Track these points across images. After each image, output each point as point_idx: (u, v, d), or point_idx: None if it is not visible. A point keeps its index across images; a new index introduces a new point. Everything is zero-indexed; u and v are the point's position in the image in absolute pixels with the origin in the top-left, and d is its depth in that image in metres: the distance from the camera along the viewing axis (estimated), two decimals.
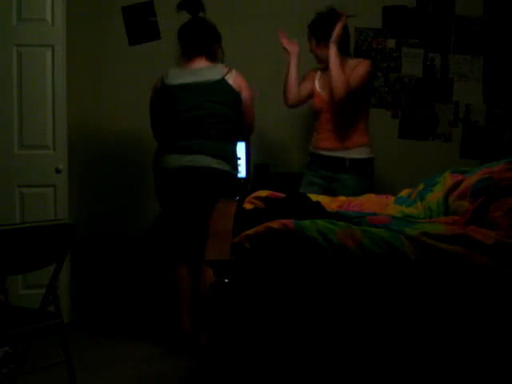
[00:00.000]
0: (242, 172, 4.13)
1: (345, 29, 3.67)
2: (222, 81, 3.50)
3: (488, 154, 4.50)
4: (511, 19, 4.54)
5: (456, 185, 2.67)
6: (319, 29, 3.68)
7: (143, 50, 4.53)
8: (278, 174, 4.35)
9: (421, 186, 2.96)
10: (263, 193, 2.79)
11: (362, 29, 4.52)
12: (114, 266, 4.61)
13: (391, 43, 4.56)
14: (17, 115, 3.97)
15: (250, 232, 2.10)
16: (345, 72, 3.60)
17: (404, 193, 3.10)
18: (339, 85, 3.55)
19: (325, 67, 3.72)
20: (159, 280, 4.48)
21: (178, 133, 3.50)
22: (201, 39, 3.58)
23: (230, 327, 2.09)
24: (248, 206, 2.67)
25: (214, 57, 3.63)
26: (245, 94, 3.57)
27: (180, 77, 3.55)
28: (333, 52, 3.58)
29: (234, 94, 3.53)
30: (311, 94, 3.82)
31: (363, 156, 3.71)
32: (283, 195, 2.69)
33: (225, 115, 3.51)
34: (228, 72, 3.53)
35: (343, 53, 3.68)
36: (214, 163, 3.44)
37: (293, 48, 3.77)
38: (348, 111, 3.67)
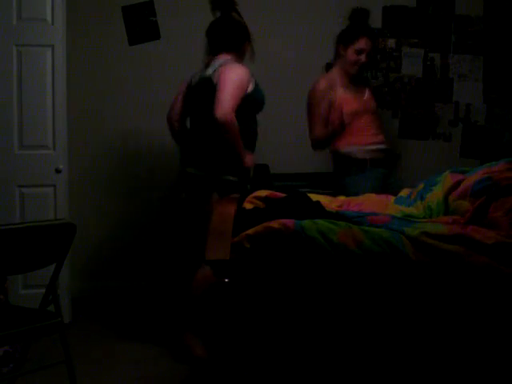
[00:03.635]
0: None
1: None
2: (210, 76, 3.29)
3: (488, 153, 4.51)
4: (511, 19, 4.54)
5: (456, 185, 2.67)
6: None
7: (143, 50, 4.53)
8: (277, 174, 4.35)
9: (421, 186, 2.96)
10: (263, 193, 2.79)
11: None
12: (114, 266, 4.61)
13: (391, 43, 4.56)
14: (17, 115, 3.96)
15: (249, 232, 2.10)
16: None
17: (404, 193, 3.10)
18: None
19: (353, 79, 3.74)
20: (159, 280, 4.48)
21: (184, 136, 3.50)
22: (226, 37, 3.41)
23: (230, 327, 2.10)
24: (248, 206, 2.67)
25: (241, 55, 3.45)
26: (221, 76, 3.20)
27: (197, 75, 3.47)
28: None
29: (213, 88, 3.22)
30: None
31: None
32: (283, 195, 2.69)
33: (204, 119, 3.30)
34: (225, 64, 3.29)
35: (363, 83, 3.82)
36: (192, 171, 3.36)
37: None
38: (377, 113, 3.87)
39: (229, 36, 3.44)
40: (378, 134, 3.76)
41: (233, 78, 3.20)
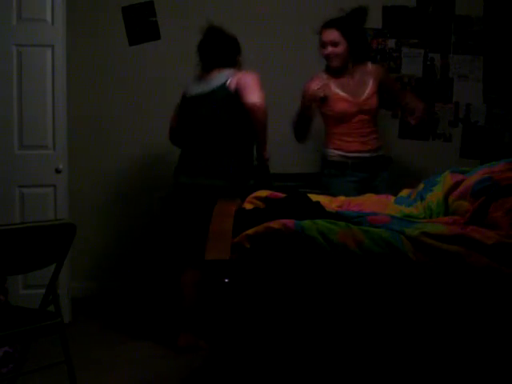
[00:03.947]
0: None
1: (363, 35, 3.74)
2: (223, 85, 3.38)
3: (488, 153, 4.51)
4: (511, 19, 4.54)
5: (456, 185, 2.67)
6: (353, 29, 3.62)
7: (143, 50, 4.53)
8: (277, 174, 4.34)
9: (421, 186, 2.96)
10: (263, 193, 2.79)
11: None
12: (114, 266, 4.61)
13: (391, 43, 4.56)
14: (17, 115, 3.96)
15: (249, 232, 2.10)
16: (361, 71, 3.70)
17: (404, 193, 3.10)
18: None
19: (335, 73, 3.69)
20: (159, 280, 4.48)
21: (191, 150, 3.50)
22: (222, 53, 3.48)
23: (230, 327, 2.09)
24: (248, 206, 2.67)
25: (236, 69, 3.48)
26: (239, 81, 3.35)
27: (194, 87, 3.51)
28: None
29: (232, 96, 3.36)
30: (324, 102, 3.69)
31: (384, 152, 3.80)
32: (283, 195, 2.69)
33: (224, 126, 3.41)
34: (234, 74, 3.39)
35: (363, 59, 3.73)
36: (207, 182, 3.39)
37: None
38: (376, 113, 3.75)
39: (225, 52, 3.50)
40: (367, 142, 3.69)
41: (253, 78, 3.36)
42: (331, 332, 2.08)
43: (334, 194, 3.23)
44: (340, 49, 3.61)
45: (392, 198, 3.04)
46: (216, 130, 3.43)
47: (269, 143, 3.55)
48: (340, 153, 3.72)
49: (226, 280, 2.04)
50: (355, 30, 3.63)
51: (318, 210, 2.46)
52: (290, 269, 2.06)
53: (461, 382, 2.08)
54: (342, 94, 3.68)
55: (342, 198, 3.11)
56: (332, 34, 3.61)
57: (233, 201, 2.85)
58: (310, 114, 3.65)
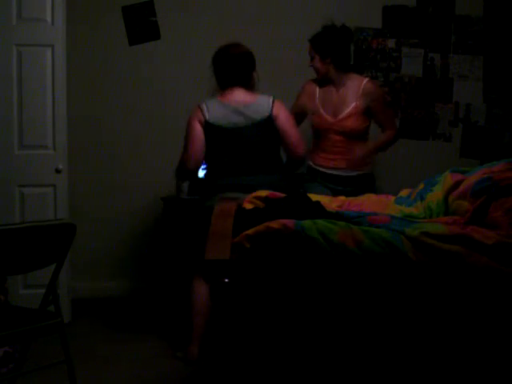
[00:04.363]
0: None
1: (345, 43, 3.67)
2: (269, 118, 3.35)
3: (488, 153, 4.50)
4: (511, 19, 4.54)
5: (456, 185, 2.66)
6: (326, 44, 3.60)
7: (143, 50, 4.53)
8: None
9: (421, 186, 2.96)
10: (263, 193, 2.78)
11: (361, 28, 4.52)
12: (114, 266, 4.61)
13: (391, 43, 4.56)
14: (17, 115, 3.96)
15: (249, 232, 2.10)
16: (351, 89, 3.63)
17: (404, 193, 3.09)
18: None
19: (324, 83, 3.70)
20: (159, 280, 4.48)
21: (237, 170, 3.38)
22: (240, 69, 3.39)
23: (230, 327, 2.09)
24: (248, 206, 2.67)
25: (252, 86, 3.44)
26: (281, 117, 3.38)
27: (224, 115, 3.34)
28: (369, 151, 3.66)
29: (275, 126, 3.38)
30: (309, 110, 3.74)
31: (367, 171, 3.73)
32: (283, 195, 2.69)
33: (269, 148, 3.42)
34: (272, 103, 3.38)
35: (345, 69, 3.67)
36: None
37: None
38: (358, 134, 3.67)
39: (244, 69, 3.41)
40: (336, 160, 3.67)
41: (290, 115, 3.47)
42: (331, 332, 2.08)
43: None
44: (314, 62, 3.66)
45: (392, 198, 3.04)
46: (262, 152, 3.40)
47: None
48: (310, 163, 3.77)
49: (226, 280, 2.04)
50: (327, 45, 3.59)
51: (318, 210, 2.46)
52: (290, 269, 2.06)
53: (461, 382, 2.08)
54: (320, 108, 3.70)
55: (342, 198, 3.11)
56: (309, 48, 3.68)
57: (233, 201, 2.85)
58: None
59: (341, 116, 3.64)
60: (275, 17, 4.51)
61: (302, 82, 3.90)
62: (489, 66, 4.57)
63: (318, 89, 3.74)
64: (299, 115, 3.73)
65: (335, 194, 3.58)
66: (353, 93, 3.64)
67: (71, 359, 2.77)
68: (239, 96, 3.37)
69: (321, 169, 3.74)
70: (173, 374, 3.31)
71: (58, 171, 4.01)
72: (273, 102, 3.38)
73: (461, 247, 2.05)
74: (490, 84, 4.58)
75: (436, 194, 2.74)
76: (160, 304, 4.32)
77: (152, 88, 4.51)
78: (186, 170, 3.45)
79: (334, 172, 3.70)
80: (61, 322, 2.72)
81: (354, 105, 3.63)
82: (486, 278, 2.02)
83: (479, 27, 4.55)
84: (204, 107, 3.34)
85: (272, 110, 3.36)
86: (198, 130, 3.34)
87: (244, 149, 3.36)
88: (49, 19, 3.96)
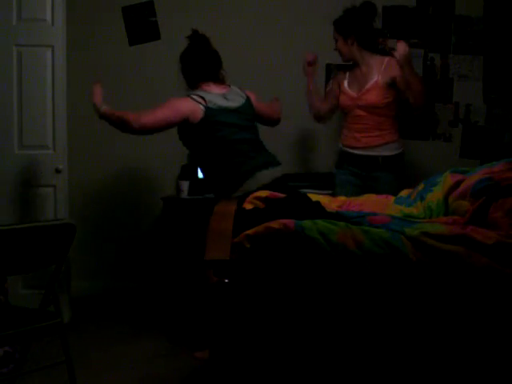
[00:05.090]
0: None
1: (366, 20, 3.71)
2: (248, 99, 3.47)
3: (488, 153, 4.50)
4: (511, 19, 4.54)
5: (456, 185, 2.67)
6: (348, 25, 3.67)
7: (143, 50, 4.53)
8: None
9: (421, 186, 2.96)
10: (263, 193, 2.78)
11: None
12: (114, 266, 4.61)
13: (391, 43, 4.56)
14: (17, 115, 3.96)
15: (249, 232, 2.10)
16: (374, 65, 3.70)
17: (404, 193, 3.10)
18: (423, 96, 3.65)
19: (351, 67, 3.78)
20: (159, 280, 4.48)
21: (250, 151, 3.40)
22: (213, 64, 3.45)
23: (230, 327, 2.09)
24: (248, 206, 2.67)
25: (221, 81, 3.48)
26: (253, 98, 3.53)
27: (218, 100, 3.37)
28: (407, 71, 3.58)
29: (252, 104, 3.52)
30: (338, 93, 3.85)
31: (394, 152, 3.77)
32: (283, 195, 2.69)
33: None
34: (240, 89, 3.49)
35: (369, 47, 3.75)
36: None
37: (312, 70, 3.83)
38: (382, 109, 3.71)
39: (213, 66, 3.45)
40: (359, 139, 3.73)
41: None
42: (331, 332, 2.08)
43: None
44: (338, 44, 3.75)
45: (392, 198, 3.04)
46: (256, 129, 3.52)
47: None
48: (340, 146, 3.87)
49: (226, 280, 2.04)
50: (350, 26, 3.67)
51: (318, 210, 2.46)
52: (290, 269, 2.06)
53: (461, 382, 2.08)
54: (345, 87, 3.81)
55: (342, 198, 3.12)
56: (333, 32, 3.76)
57: (233, 201, 2.85)
58: (308, 82, 3.85)
59: (362, 91, 3.72)
60: (275, 17, 4.51)
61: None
62: (489, 66, 4.57)
63: (347, 73, 3.83)
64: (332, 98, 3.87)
65: (361, 180, 3.74)
66: (376, 68, 3.72)
67: (71, 359, 2.77)
68: (216, 88, 3.41)
69: (348, 149, 3.79)
70: (173, 374, 3.31)
71: (58, 171, 4.01)
72: (239, 87, 3.49)
73: (461, 247, 2.05)
74: (490, 84, 4.58)
75: (436, 194, 2.74)
76: (160, 304, 4.32)
77: (152, 88, 4.51)
78: (127, 127, 3.42)
79: (360, 152, 3.74)
80: (61, 322, 2.72)
81: (375, 79, 3.70)
82: (486, 279, 2.02)
83: (479, 27, 4.55)
84: (196, 97, 3.30)
85: (245, 92, 3.49)
86: (180, 111, 3.30)
87: (247, 128, 3.43)
88: (49, 19, 3.96)
